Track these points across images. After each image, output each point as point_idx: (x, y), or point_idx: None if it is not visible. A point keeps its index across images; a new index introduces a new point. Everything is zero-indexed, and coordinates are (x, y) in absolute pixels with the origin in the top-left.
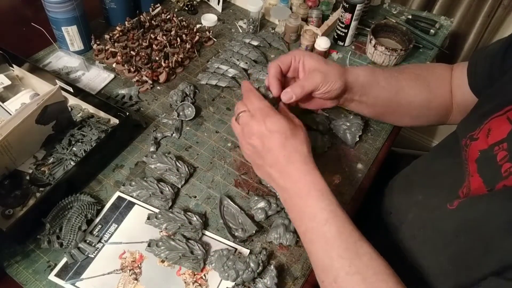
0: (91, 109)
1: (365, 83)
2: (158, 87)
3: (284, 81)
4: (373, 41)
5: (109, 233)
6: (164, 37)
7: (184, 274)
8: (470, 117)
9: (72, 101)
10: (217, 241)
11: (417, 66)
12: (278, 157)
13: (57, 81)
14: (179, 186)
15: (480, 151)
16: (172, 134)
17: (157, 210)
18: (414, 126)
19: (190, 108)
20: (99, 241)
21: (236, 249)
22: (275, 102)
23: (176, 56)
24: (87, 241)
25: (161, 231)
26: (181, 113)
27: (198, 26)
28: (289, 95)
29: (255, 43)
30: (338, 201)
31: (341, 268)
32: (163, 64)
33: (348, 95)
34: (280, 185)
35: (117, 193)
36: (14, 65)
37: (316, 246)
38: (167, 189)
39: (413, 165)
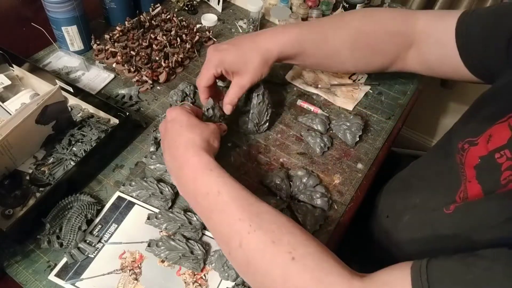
0: (91, 109)
1: (290, 54)
2: (158, 87)
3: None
4: None
5: (109, 233)
6: (164, 37)
7: (184, 274)
8: (470, 120)
9: (72, 101)
10: None
11: (362, 23)
12: (172, 143)
13: (57, 81)
14: None
15: (480, 157)
16: None
17: (157, 210)
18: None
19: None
20: (99, 241)
21: None
22: (218, 120)
23: (176, 56)
24: (87, 241)
25: (161, 231)
26: None
27: (198, 26)
28: (229, 108)
29: None
30: (229, 174)
31: (242, 229)
32: (163, 64)
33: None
34: (173, 173)
35: (117, 193)
36: (14, 65)
37: (215, 219)
38: (167, 189)
39: (410, 167)
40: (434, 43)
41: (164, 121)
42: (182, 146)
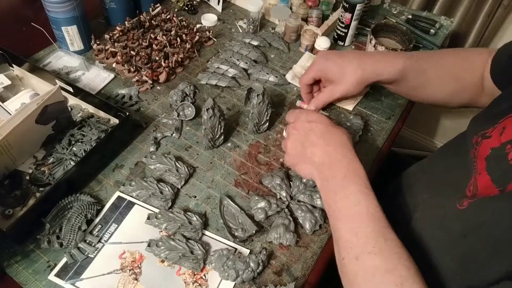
0: (91, 109)
1: (388, 80)
2: (158, 87)
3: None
4: (373, 41)
5: (109, 233)
6: (164, 37)
7: (184, 274)
8: (484, 115)
9: (72, 101)
10: (217, 241)
11: (451, 56)
12: (322, 141)
13: (57, 81)
14: (179, 187)
15: (491, 148)
16: (172, 134)
17: (157, 210)
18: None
19: (190, 108)
20: (99, 241)
21: (236, 249)
22: (219, 117)
23: (176, 56)
24: (87, 241)
25: (161, 231)
26: (181, 113)
27: (198, 26)
28: (312, 109)
29: (255, 43)
30: (371, 189)
31: (365, 246)
32: (163, 64)
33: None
34: (319, 169)
35: (117, 193)
36: (14, 65)
37: (344, 223)
38: (166, 189)
39: (417, 166)
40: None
41: (301, 123)
42: (336, 144)
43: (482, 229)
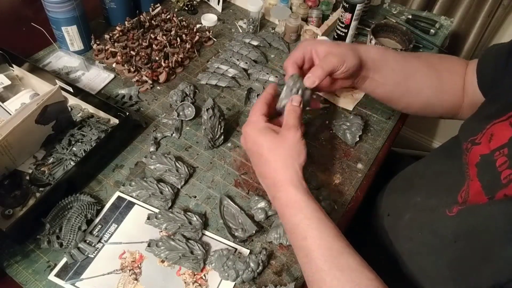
0: (91, 109)
1: (376, 59)
2: (158, 87)
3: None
4: (373, 41)
5: (109, 233)
6: (164, 37)
7: (184, 274)
8: (472, 121)
9: (72, 101)
10: (217, 241)
11: (432, 56)
12: (267, 168)
13: (57, 81)
14: (179, 187)
15: (481, 155)
16: (172, 134)
17: (157, 210)
18: (423, 115)
19: (190, 108)
20: (99, 241)
21: (236, 249)
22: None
23: (176, 56)
24: (87, 241)
25: (161, 231)
26: (181, 113)
27: (198, 26)
28: (311, 79)
29: (255, 43)
30: (322, 213)
31: (322, 279)
32: (163, 64)
33: (363, 72)
34: (266, 187)
35: (117, 193)
36: (14, 65)
37: (299, 255)
38: (166, 189)
39: (413, 167)
40: (469, 85)
41: (255, 130)
42: (279, 167)
43: (471, 236)
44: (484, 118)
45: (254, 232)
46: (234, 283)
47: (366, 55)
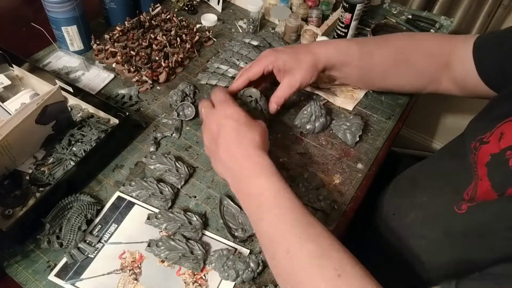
0: (91, 109)
1: (337, 63)
2: (158, 87)
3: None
4: None
5: (109, 233)
6: (164, 37)
7: (184, 274)
8: (481, 120)
9: (72, 101)
10: (217, 241)
11: (403, 40)
12: (230, 141)
13: (57, 81)
14: (179, 187)
15: (491, 155)
16: (172, 134)
17: (157, 210)
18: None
19: (190, 108)
20: (99, 241)
21: (236, 249)
22: (260, 113)
23: (176, 56)
24: (87, 241)
25: (161, 231)
26: (181, 113)
27: (198, 26)
28: (274, 107)
29: (255, 43)
30: (286, 182)
31: (293, 237)
32: (163, 64)
33: (323, 73)
34: (230, 170)
35: (117, 193)
36: (14, 65)
37: (267, 222)
38: (166, 189)
39: (418, 166)
40: (458, 61)
41: (216, 115)
42: (243, 144)
43: (481, 231)
44: (495, 118)
45: (254, 232)
46: (234, 283)
47: (327, 61)
